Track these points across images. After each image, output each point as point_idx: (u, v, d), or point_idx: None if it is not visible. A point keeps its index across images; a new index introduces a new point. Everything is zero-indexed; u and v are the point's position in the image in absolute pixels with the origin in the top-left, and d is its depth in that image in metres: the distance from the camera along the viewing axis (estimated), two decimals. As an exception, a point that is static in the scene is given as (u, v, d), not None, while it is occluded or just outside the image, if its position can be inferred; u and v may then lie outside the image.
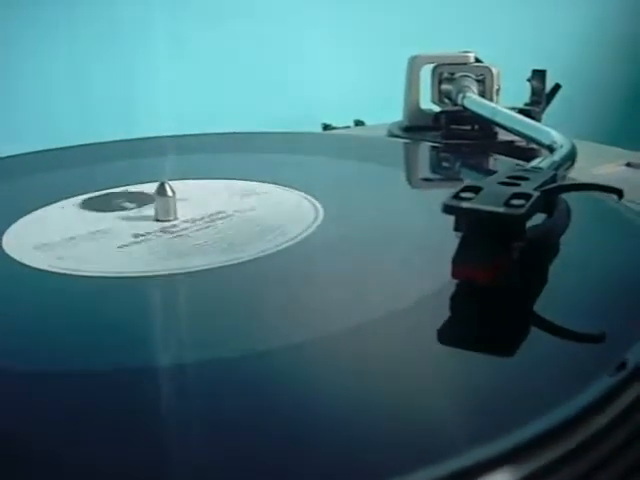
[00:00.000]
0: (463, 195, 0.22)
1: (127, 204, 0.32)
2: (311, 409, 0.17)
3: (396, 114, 0.52)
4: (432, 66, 0.49)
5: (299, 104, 0.87)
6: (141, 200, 0.33)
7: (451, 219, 0.22)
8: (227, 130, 0.48)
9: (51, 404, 0.18)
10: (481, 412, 0.17)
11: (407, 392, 0.18)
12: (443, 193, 0.23)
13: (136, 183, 0.35)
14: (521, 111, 0.44)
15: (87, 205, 0.33)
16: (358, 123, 0.64)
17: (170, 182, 0.30)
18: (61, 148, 0.44)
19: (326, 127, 0.65)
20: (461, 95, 0.46)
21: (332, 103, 0.80)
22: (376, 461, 0.15)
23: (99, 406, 0.18)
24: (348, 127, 0.63)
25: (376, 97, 0.75)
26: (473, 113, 0.45)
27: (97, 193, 0.34)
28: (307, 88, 0.89)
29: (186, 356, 0.20)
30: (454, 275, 0.22)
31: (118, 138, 0.46)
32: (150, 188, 0.32)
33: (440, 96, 0.49)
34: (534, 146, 0.40)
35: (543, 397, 0.17)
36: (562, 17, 1.06)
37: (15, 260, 0.27)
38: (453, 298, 0.22)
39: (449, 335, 0.20)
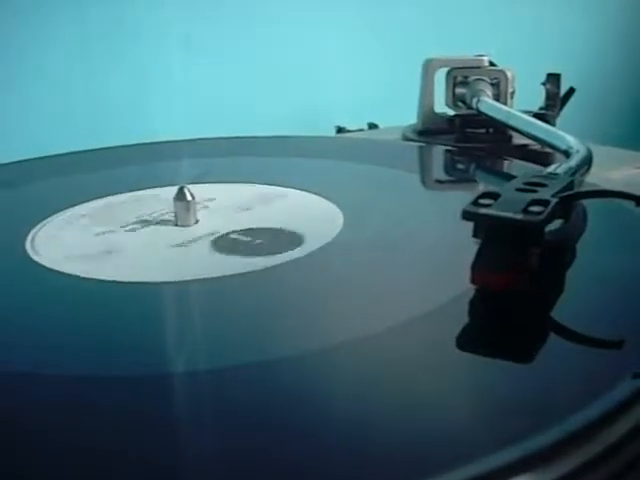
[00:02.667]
0: (482, 201, 0.23)
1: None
2: (332, 413, 0.18)
3: (410, 117, 0.52)
4: (446, 70, 0.49)
5: (312, 107, 0.87)
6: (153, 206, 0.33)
7: (469, 224, 0.23)
8: (238, 133, 0.48)
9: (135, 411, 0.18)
10: (498, 418, 0.17)
11: (426, 397, 0.18)
12: (458, 197, 0.23)
13: (148, 188, 0.36)
14: (536, 115, 0.44)
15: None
16: (372, 126, 0.64)
17: (188, 186, 0.31)
18: (72, 153, 0.44)
19: (340, 130, 0.65)
20: (475, 99, 0.46)
21: (345, 106, 0.81)
22: (397, 465, 0.15)
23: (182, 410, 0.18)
24: (362, 130, 0.63)
25: (390, 100, 0.76)
26: (488, 117, 0.45)
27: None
28: (320, 91, 0.89)
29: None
30: (473, 281, 0.22)
31: (130, 141, 0.47)
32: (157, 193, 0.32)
33: (454, 100, 0.49)
34: (549, 150, 0.41)
35: (561, 403, 0.17)
36: (576, 20, 1.06)
37: (82, 277, 0.25)
38: (472, 304, 0.22)
39: (467, 341, 0.21)
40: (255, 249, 0.27)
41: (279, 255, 0.26)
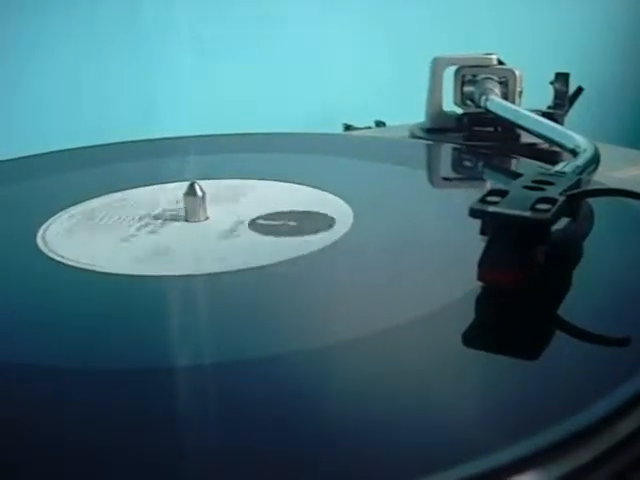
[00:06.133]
0: (489, 199, 0.23)
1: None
2: (337, 408, 0.18)
3: (418, 115, 0.52)
4: (455, 68, 0.50)
5: (320, 104, 0.87)
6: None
7: (476, 222, 0.23)
8: (247, 131, 0.49)
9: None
10: (508, 414, 0.17)
11: (433, 394, 0.18)
12: (466, 194, 0.23)
13: (153, 184, 0.36)
14: (544, 114, 0.44)
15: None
16: (379, 124, 0.64)
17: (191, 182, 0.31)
18: (79, 148, 0.45)
19: (347, 127, 0.66)
20: (484, 97, 0.46)
21: (353, 103, 0.81)
22: (404, 462, 0.16)
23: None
24: (369, 128, 0.63)
25: (397, 98, 0.76)
26: (496, 115, 0.45)
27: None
28: (328, 88, 0.89)
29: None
30: (480, 278, 0.22)
31: (137, 138, 0.47)
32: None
33: (463, 98, 0.49)
34: (556, 149, 0.41)
35: (567, 400, 0.18)
36: (583, 19, 1.06)
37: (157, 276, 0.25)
38: (479, 301, 0.22)
39: (475, 338, 0.21)
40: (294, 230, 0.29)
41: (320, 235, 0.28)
